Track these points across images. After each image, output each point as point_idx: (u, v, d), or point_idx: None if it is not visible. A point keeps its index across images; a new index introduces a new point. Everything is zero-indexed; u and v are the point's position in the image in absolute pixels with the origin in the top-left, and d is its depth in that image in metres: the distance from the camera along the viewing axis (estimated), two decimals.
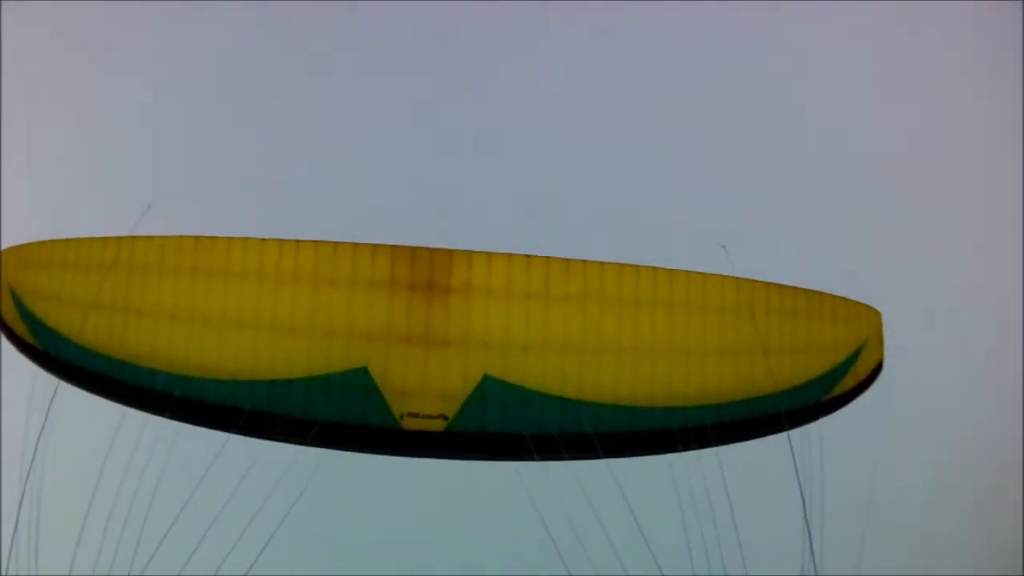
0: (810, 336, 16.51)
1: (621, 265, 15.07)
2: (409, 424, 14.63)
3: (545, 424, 14.58)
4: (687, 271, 15.44)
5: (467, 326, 14.58)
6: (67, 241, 16.91)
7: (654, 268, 15.15)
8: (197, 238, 15.62)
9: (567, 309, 14.75)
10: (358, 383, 14.55)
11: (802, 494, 14.71)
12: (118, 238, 16.32)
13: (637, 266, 15.10)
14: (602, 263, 15.02)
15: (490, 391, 14.57)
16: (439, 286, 14.60)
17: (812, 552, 14.69)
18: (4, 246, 17.93)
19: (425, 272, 14.63)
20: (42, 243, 17.25)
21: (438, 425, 14.63)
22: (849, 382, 17.09)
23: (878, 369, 17.67)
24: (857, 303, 17.30)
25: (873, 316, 17.61)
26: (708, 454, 15.45)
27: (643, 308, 14.99)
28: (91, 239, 16.59)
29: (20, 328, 17.24)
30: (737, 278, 15.78)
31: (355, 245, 14.80)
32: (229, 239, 15.37)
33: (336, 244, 14.82)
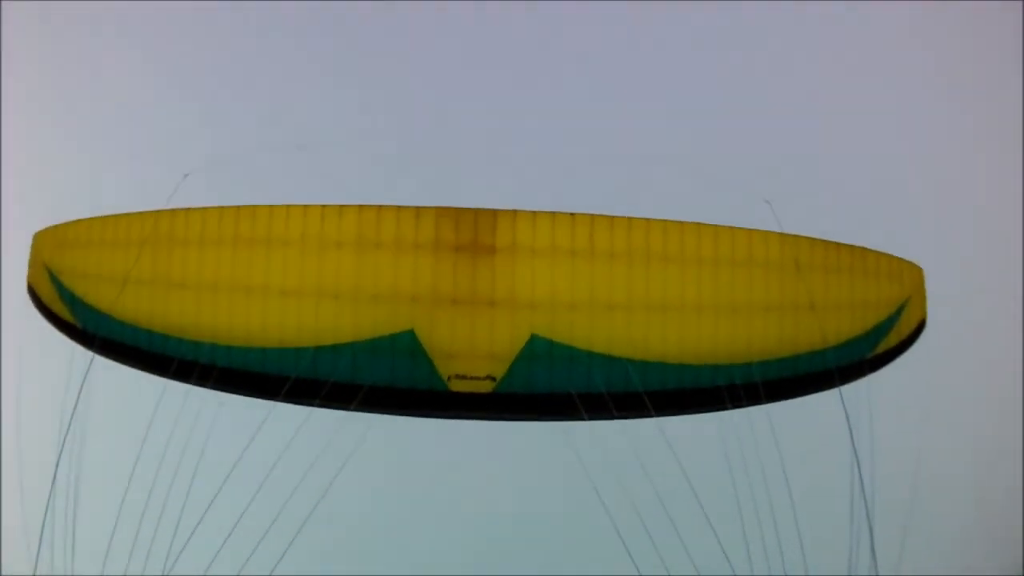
0: (854, 292, 16.38)
1: (666, 222, 14.94)
2: (457, 386, 14.55)
3: (593, 383, 14.47)
4: (731, 227, 15.32)
5: (513, 286, 14.49)
6: (104, 218, 16.91)
7: (698, 224, 15.03)
8: (238, 208, 15.58)
9: (613, 267, 14.65)
10: (405, 346, 14.47)
11: (854, 449, 14.56)
12: (156, 212, 16.31)
13: (682, 222, 14.98)
14: (647, 220, 14.90)
15: (538, 351, 14.46)
16: (484, 246, 14.51)
17: (868, 514, 14.53)
18: (39, 227, 18.02)
19: (470, 233, 14.54)
20: (79, 221, 17.25)
21: (486, 387, 14.55)
22: (893, 339, 16.98)
23: (921, 326, 17.54)
24: (900, 259, 17.19)
25: (916, 273, 17.49)
26: (757, 412, 15.34)
27: (688, 265, 14.87)
28: (129, 214, 16.59)
29: (59, 307, 17.25)
30: (781, 234, 15.65)
31: (399, 208, 14.72)
32: (271, 207, 15.32)
33: (380, 207, 14.75)
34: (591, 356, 14.52)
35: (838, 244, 16.37)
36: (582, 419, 14.46)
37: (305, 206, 15.03)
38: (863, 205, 17.91)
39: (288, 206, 15.24)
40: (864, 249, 16.68)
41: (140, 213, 16.48)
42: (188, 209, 16.01)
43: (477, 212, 14.67)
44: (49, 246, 17.66)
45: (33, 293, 17.87)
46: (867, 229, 16.85)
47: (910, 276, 17.34)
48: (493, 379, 14.55)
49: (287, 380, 14.73)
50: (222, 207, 15.74)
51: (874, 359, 16.60)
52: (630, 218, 14.87)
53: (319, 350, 14.68)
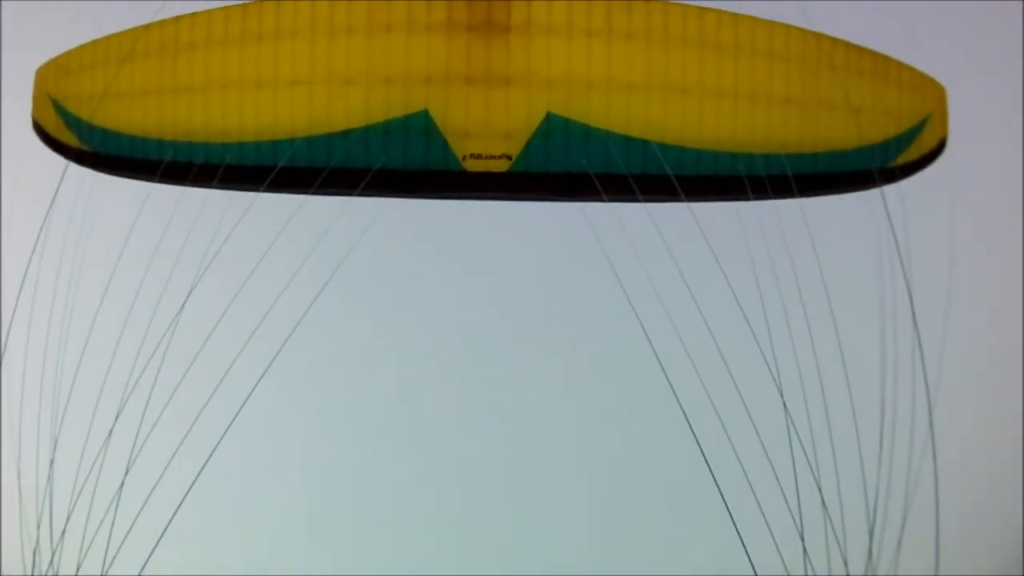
0: (876, 98, 16.04)
1: (685, 6, 14.62)
2: (472, 165, 14.33)
3: (610, 163, 14.24)
4: (753, 17, 14.95)
5: (528, 64, 14.20)
6: (107, 38, 16.60)
7: (719, 11, 14.68)
8: (244, 5, 15.28)
9: (631, 47, 14.34)
10: (419, 127, 14.22)
11: (902, 254, 14.10)
12: (161, 22, 16.00)
13: (701, 8, 14.64)
14: (665, 3, 14.56)
15: (554, 129, 14.20)
16: (498, 25, 14.19)
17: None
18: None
19: (483, 12, 14.22)
20: (81, 47, 16.95)
21: (502, 165, 14.32)
22: (913, 153, 16.63)
23: (942, 145, 17.19)
24: (924, 74, 16.79)
25: (938, 90, 17.10)
26: (768, 208, 15.02)
27: (708, 49, 14.55)
28: (132, 29, 16.28)
29: (66, 136, 17.04)
30: (803, 29, 15.29)
31: None
32: (278, 1, 14.98)
33: None
34: (608, 135, 14.25)
35: (860, 47, 16.00)
36: (598, 199, 14.20)
37: None
38: (886, 15, 17.42)
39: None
40: (887, 57, 16.30)
41: (144, 26, 16.17)
42: (193, 13, 15.70)
43: None
44: (52, 77, 17.39)
45: (38, 127, 17.64)
46: (890, 42, 16.42)
47: (933, 92, 16.96)
48: (508, 158, 14.32)
49: (300, 169, 14.50)
50: (227, 7, 15.43)
51: (892, 170, 16.29)
52: (648, 0, 14.52)
53: (331, 136, 14.41)
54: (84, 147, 16.68)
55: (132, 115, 16.01)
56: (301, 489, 20.18)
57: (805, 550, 12.00)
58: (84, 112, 16.74)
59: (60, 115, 17.18)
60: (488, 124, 14.17)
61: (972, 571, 17.02)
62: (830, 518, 12.14)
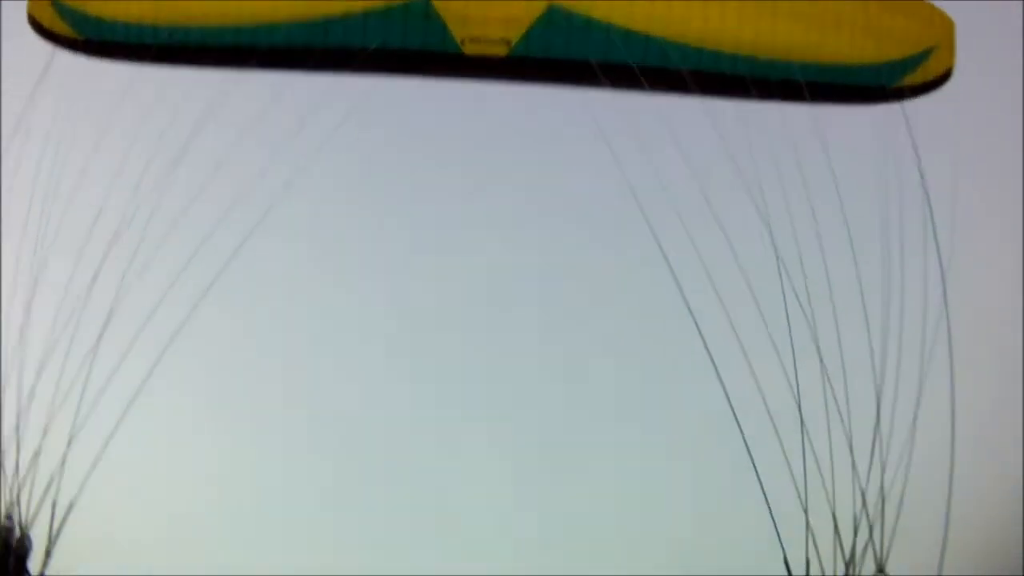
0: (882, 21, 15.94)
1: None
2: (471, 49, 14.44)
3: (611, 53, 14.31)
4: None
5: None
6: None
7: None
8: None
9: None
10: (419, 10, 14.33)
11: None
12: None
13: None
14: None
15: (555, 19, 14.34)
16: None
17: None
18: None
19: None
20: None
21: (501, 49, 14.43)
22: (919, 77, 16.54)
23: (948, 74, 17.12)
24: (933, 6, 16.74)
25: (947, 22, 17.07)
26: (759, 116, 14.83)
27: None
28: None
29: (60, 27, 16.98)
30: None
31: None
32: None
33: None
34: (610, 28, 14.33)
35: None
36: (597, 87, 14.22)
37: None
38: None
39: None
40: None
41: None
42: None
43: None
44: None
45: (34, 21, 17.57)
46: None
47: (941, 24, 16.92)
48: (508, 43, 14.42)
49: (296, 49, 14.54)
50: None
51: (897, 89, 16.22)
52: None
53: (329, 19, 14.44)
54: (77, 36, 16.63)
55: (129, 3, 15.92)
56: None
57: (810, 550, 11.96)
58: (78, 3, 16.74)
59: (56, 8, 17.16)
60: (489, 10, 14.32)
61: (972, 571, 16.85)
62: (849, 517, 12.06)
